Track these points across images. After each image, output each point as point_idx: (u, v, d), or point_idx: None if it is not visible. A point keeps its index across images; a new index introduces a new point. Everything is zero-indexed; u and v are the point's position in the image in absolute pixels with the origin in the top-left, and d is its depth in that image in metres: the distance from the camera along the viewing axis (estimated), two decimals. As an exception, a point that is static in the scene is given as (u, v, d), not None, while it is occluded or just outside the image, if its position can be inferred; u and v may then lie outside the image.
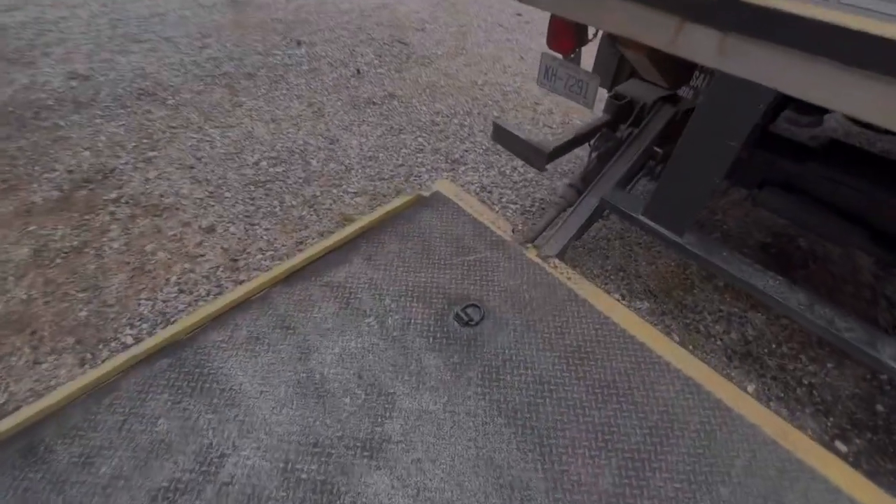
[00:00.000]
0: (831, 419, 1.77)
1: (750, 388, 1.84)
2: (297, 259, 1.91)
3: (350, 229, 2.04)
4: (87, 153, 2.76)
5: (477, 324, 1.73)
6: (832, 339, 1.44)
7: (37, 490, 1.33)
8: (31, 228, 2.24)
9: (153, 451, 1.40)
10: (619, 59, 2.41)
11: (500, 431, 1.45)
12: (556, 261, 1.96)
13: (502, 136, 2.27)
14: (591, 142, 2.35)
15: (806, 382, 1.88)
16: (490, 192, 2.68)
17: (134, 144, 2.86)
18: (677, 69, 1.90)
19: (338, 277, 1.89)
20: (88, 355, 1.74)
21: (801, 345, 2.01)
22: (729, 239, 2.51)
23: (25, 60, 3.65)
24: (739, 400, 1.54)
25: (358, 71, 3.86)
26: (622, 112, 2.36)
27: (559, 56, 2.05)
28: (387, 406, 1.50)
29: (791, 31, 1.12)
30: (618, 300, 2.12)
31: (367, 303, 1.79)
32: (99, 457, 1.39)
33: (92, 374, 1.56)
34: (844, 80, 1.09)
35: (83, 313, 1.88)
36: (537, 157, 2.14)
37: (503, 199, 2.63)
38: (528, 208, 2.59)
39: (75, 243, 2.18)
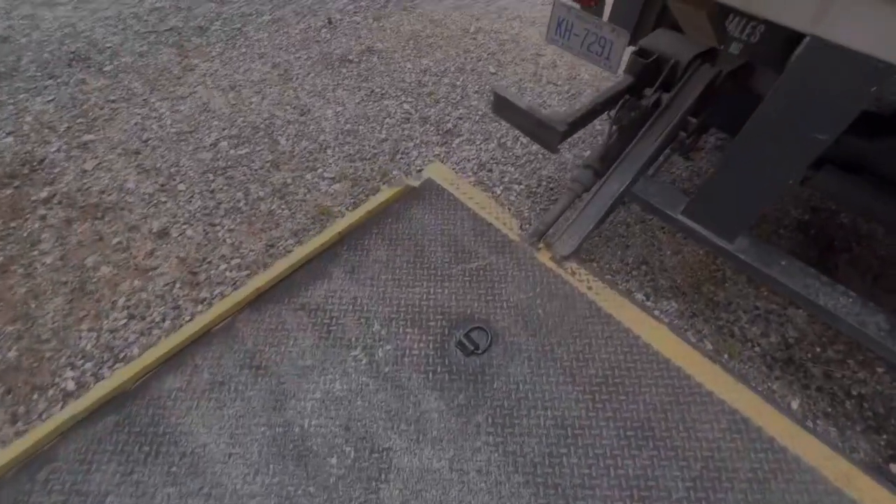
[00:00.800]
0: (884, 437, 1.57)
1: (794, 404, 1.62)
2: (266, 276, 1.59)
3: (328, 234, 1.70)
4: (9, 139, 2.32)
5: (484, 352, 1.46)
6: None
7: None
8: (-55, 242, 1.88)
9: (102, 540, 1.17)
10: (644, 3, 1.97)
11: (519, 493, 1.22)
12: (573, 265, 1.66)
13: (504, 107, 1.87)
14: (611, 111, 1.95)
15: (855, 393, 1.66)
16: (490, 170, 2.32)
17: (66, 126, 2.41)
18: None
19: (315, 298, 1.58)
20: (21, 409, 1.46)
21: (848, 346, 1.78)
22: (764, 219, 2.20)
23: (-71, 19, 3.06)
24: (794, 436, 1.32)
25: (329, 20, 3.30)
26: (648, 72, 1.95)
27: (576, 5, 1.63)
28: (382, 466, 1.26)
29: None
30: (643, 302, 1.86)
31: (352, 330, 1.50)
32: (36, 551, 1.15)
33: (22, 443, 1.28)
34: None
35: (12, 353, 1.57)
36: (548, 135, 1.76)
37: (505, 179, 2.28)
38: (534, 189, 2.24)
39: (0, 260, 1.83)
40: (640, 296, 1.88)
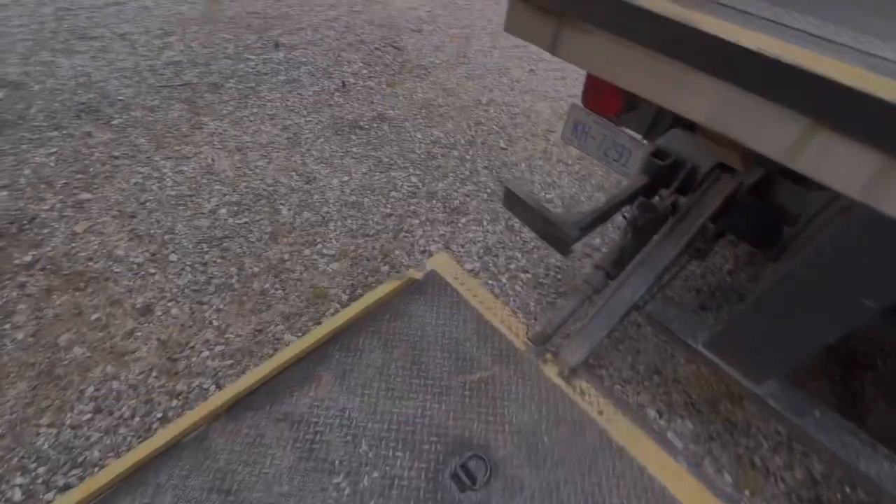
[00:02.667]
0: None
1: (825, 560, 1.45)
2: (248, 379, 1.46)
3: (319, 332, 1.58)
4: (3, 193, 2.25)
5: (481, 487, 1.31)
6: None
7: None
8: (-88, 308, 1.76)
9: None
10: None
11: None
12: (583, 383, 1.53)
13: (515, 204, 1.80)
14: (625, 211, 1.88)
15: (892, 547, 1.49)
16: (496, 255, 2.23)
17: (64, 182, 2.35)
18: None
19: (300, 407, 1.44)
20: (-44, 523, 1.29)
21: (881, 486, 1.62)
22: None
23: (-54, 61, 3.08)
24: None
25: (343, 84, 3.33)
26: (664, 174, 1.90)
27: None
28: None
29: None
30: (656, 419, 1.71)
31: (337, 450, 1.35)
32: None
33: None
34: None
35: (-41, 450, 1.42)
36: (560, 240, 1.68)
37: (511, 266, 2.18)
38: (541, 279, 2.15)
39: (-33, 333, 1.70)
40: (652, 412, 1.74)
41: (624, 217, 1.93)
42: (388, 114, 3.11)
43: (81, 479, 1.37)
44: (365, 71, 3.53)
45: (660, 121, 2.02)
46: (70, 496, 1.22)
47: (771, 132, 0.92)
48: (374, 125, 3.00)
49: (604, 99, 1.42)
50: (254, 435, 1.37)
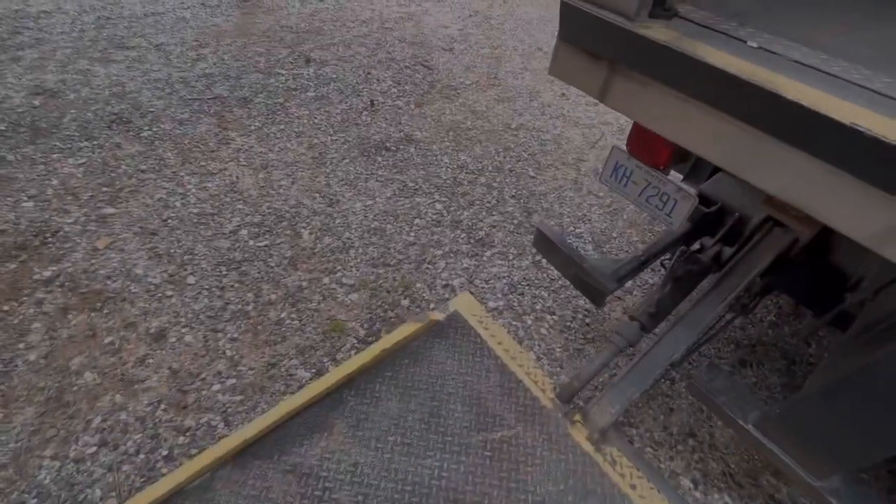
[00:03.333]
0: None
1: None
2: (256, 426, 1.39)
3: (334, 375, 1.50)
4: (30, 203, 2.25)
5: (500, 567, 1.20)
6: None
7: None
8: (-69, 321, 1.75)
9: None
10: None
11: None
12: (614, 450, 1.41)
13: (547, 248, 1.71)
14: (669, 262, 1.76)
15: None
16: (521, 293, 2.12)
17: (90, 194, 2.34)
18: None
19: (310, 458, 1.36)
20: (-50, 561, 1.24)
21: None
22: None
23: (-11, 66, 3.15)
24: None
25: (372, 103, 3.29)
26: (708, 222, 1.78)
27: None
28: None
29: None
30: (691, 490, 1.57)
31: (347, 511, 1.26)
32: None
33: None
34: None
35: (-39, 480, 1.38)
36: (595, 291, 1.57)
37: (537, 307, 2.08)
38: (569, 322, 2.03)
39: (-19, 351, 1.68)
40: (686, 481, 1.60)
41: (663, 266, 1.81)
42: (415, 135, 3.05)
43: (80, 520, 1.31)
44: (394, 90, 3.49)
45: (703, 163, 1.90)
46: (65, 546, 1.16)
47: (860, 214, 0.81)
48: (401, 147, 2.94)
49: (652, 149, 1.32)
50: (260, 487, 1.29)
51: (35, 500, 1.36)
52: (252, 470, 1.32)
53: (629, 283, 2.25)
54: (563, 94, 3.69)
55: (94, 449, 1.48)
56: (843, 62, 0.94)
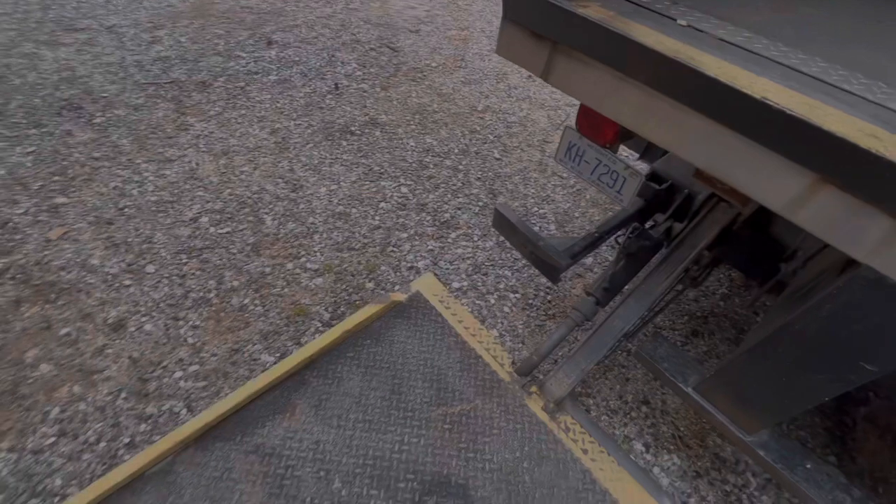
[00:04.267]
0: None
1: None
2: (218, 408, 1.40)
3: (296, 357, 1.52)
4: (-25, 195, 2.16)
5: (458, 531, 1.25)
6: None
7: None
8: None
9: None
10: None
11: None
12: (568, 418, 1.48)
13: (505, 228, 1.75)
14: (622, 239, 1.82)
15: None
16: (485, 273, 2.17)
17: (41, 184, 2.26)
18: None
19: (273, 438, 1.38)
20: None
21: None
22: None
23: (-76, 51, 2.96)
24: None
25: (336, 86, 3.24)
26: (660, 198, 1.85)
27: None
28: None
29: None
30: (642, 452, 1.67)
31: (309, 487, 1.30)
32: None
33: None
34: None
35: (-89, 476, 1.35)
36: (550, 267, 1.63)
37: (500, 286, 2.12)
38: (531, 300, 2.09)
39: (-72, 347, 1.63)
40: (639, 445, 1.69)
41: (617, 242, 1.87)
42: (380, 119, 3.03)
43: (40, 510, 1.31)
44: (359, 72, 3.44)
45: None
46: (23, 534, 1.16)
47: (773, 184, 0.86)
48: (366, 131, 2.92)
49: (598, 127, 1.36)
50: (222, 468, 1.31)
51: (-9, 491, 1.34)
52: (215, 451, 1.34)
53: (589, 261, 2.32)
54: (530, 77, 3.71)
55: (54, 439, 1.46)
56: (764, 40, 0.98)
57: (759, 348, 1.06)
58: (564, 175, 2.82)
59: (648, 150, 2.01)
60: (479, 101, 3.35)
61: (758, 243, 1.68)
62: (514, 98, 3.44)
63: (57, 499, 1.34)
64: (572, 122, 1.63)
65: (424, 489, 1.31)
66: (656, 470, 1.64)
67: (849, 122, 0.75)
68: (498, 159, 2.87)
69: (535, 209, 2.57)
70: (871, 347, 0.87)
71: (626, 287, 1.80)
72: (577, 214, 2.57)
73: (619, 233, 1.91)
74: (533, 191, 2.68)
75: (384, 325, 1.66)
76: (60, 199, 2.20)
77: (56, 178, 2.31)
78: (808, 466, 1.17)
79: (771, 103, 0.78)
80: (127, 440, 1.49)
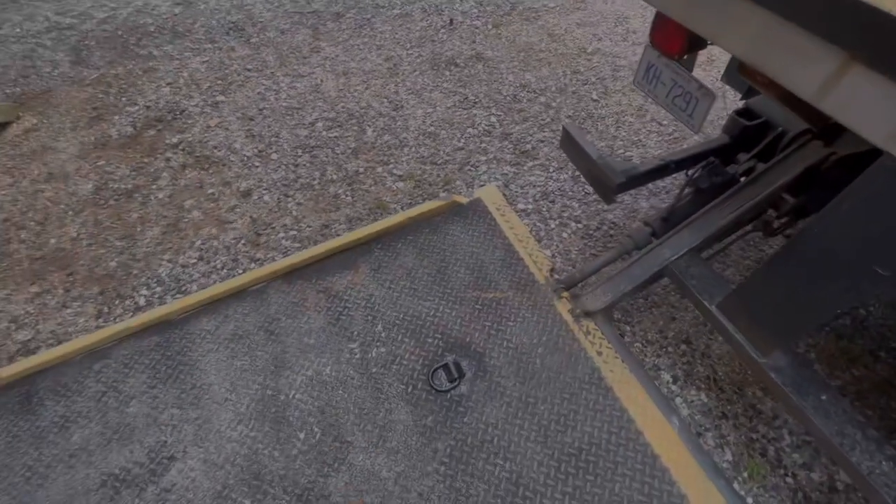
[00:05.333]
0: None
1: (813, 560, 1.37)
2: (303, 255, 1.77)
3: (367, 230, 1.83)
4: (167, 89, 2.83)
5: (467, 382, 1.47)
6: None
7: (22, 439, 1.45)
8: (100, 163, 2.39)
9: (118, 433, 1.44)
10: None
11: (449, 530, 1.24)
12: (590, 324, 1.57)
13: (569, 145, 1.81)
14: (691, 171, 1.76)
15: (905, 576, 1.34)
16: (552, 200, 2.25)
17: (209, 85, 2.86)
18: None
19: (338, 285, 1.72)
20: (105, 308, 1.83)
21: (920, 518, 1.43)
22: (863, 330, 1.82)
23: (146, -20, 3.80)
24: None
25: (451, 21, 3.41)
26: (748, 136, 1.73)
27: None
28: (338, 456, 1.36)
29: None
30: (668, 382, 1.69)
31: (358, 324, 1.61)
32: (75, 423, 1.47)
33: (93, 337, 1.63)
34: None
35: (113, 263, 1.97)
36: (604, 184, 1.67)
37: (565, 214, 2.19)
38: (592, 231, 2.13)
39: (129, 186, 2.28)
40: (667, 376, 1.71)
41: (687, 175, 1.80)
42: (485, 54, 3.15)
43: (182, 301, 1.83)
44: (475, 10, 3.55)
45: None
46: (174, 305, 1.66)
47: (804, 68, 0.85)
48: (470, 64, 3.07)
49: (667, 36, 1.34)
50: (300, 297, 1.69)
51: (156, 284, 1.91)
52: (296, 285, 1.72)
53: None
54: (654, 21, 3.45)
55: (195, 261, 1.99)
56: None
57: (777, 260, 1.05)
58: (664, 122, 2.68)
59: (751, 92, 1.86)
60: (590, 42, 3.26)
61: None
62: (629, 42, 3.27)
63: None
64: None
65: (447, 347, 1.54)
66: (678, 400, 1.66)
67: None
68: (595, 101, 2.82)
69: (622, 151, 2.52)
70: (886, 248, 0.83)
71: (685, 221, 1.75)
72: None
73: (694, 171, 1.84)
74: (625, 133, 2.62)
75: (443, 220, 1.88)
76: (220, 98, 2.78)
77: (219, 81, 2.90)
78: (823, 398, 1.13)
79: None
80: (241, 271, 1.96)
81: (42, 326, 1.78)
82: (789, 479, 1.50)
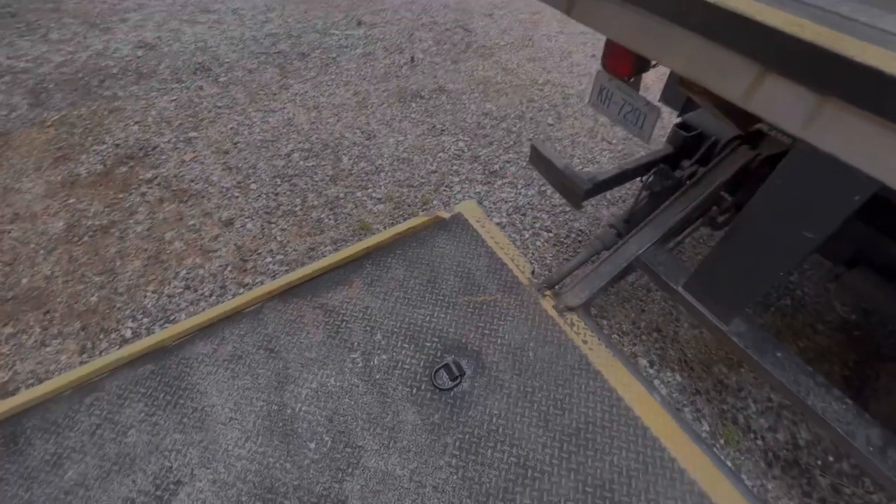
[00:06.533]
0: (891, 570, 1.42)
1: (787, 509, 1.53)
2: (297, 274, 1.82)
3: (357, 247, 1.91)
4: (135, 127, 2.84)
5: (468, 380, 1.56)
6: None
7: (9, 482, 1.38)
8: (70, 201, 2.34)
9: (117, 464, 1.40)
10: (696, 80, 2.02)
11: (466, 517, 1.29)
12: (574, 317, 1.72)
13: (538, 160, 2.01)
14: (644, 177, 2.01)
15: (864, 515, 1.53)
16: (524, 214, 2.43)
17: (179, 122, 2.90)
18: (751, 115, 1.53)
19: (334, 300, 1.78)
20: (89, 343, 1.78)
21: (869, 463, 1.63)
22: (802, 308, 2.09)
23: (104, 25, 3.82)
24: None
25: (412, 59, 3.66)
26: (688, 145, 2.00)
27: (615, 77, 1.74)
28: (351, 461, 1.39)
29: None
30: (646, 368, 1.85)
31: (357, 335, 1.67)
32: (69, 459, 1.41)
33: (81, 370, 1.58)
34: None
35: (94, 298, 1.93)
36: (573, 192, 1.87)
37: (536, 225, 2.38)
38: (562, 239, 2.32)
39: (104, 222, 2.25)
40: (644, 361, 1.88)
41: (641, 181, 2.05)
42: (447, 87, 3.39)
43: (171, 330, 1.81)
44: (434, 49, 3.83)
45: (692, 100, 2.10)
46: (166, 332, 1.65)
47: (731, 78, 1.06)
48: (434, 96, 3.29)
49: (617, 60, 1.58)
50: (296, 314, 1.73)
51: (141, 315, 1.88)
52: (291, 303, 1.76)
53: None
54: (594, 56, 3.87)
55: (182, 290, 1.99)
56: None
57: (725, 241, 1.25)
58: (613, 141, 2.98)
59: (687, 107, 2.16)
60: (540, 75, 3.59)
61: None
62: (575, 74, 3.63)
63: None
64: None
65: (445, 348, 1.63)
66: (657, 382, 1.82)
67: (780, 15, 0.95)
68: (551, 125, 3.10)
69: (580, 167, 2.77)
70: (809, 214, 1.04)
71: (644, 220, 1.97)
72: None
73: (647, 176, 2.09)
74: (580, 152, 2.89)
75: (428, 233, 2.00)
76: (193, 134, 2.82)
77: (190, 118, 2.94)
78: (779, 355, 1.32)
79: (720, 4, 1.00)
80: (230, 296, 1.97)
81: (20, 367, 1.71)
82: (759, 442, 1.68)
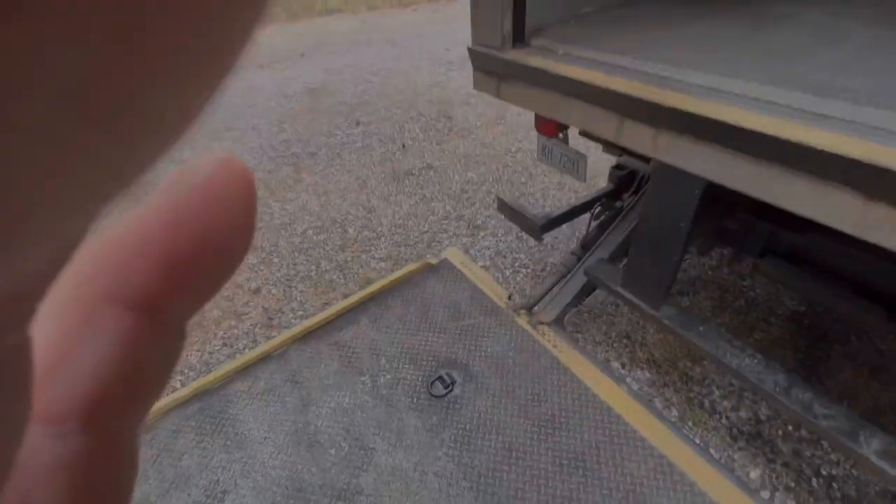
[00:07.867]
0: (853, 519, 1.58)
1: (753, 474, 1.71)
2: (314, 320, 2.21)
3: (363, 293, 2.31)
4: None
5: (459, 386, 1.86)
6: (809, 426, 1.35)
7: (88, 506, 1.67)
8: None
9: (174, 483, 1.69)
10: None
11: (463, 494, 1.54)
12: (545, 328, 2.04)
13: (504, 208, 2.46)
14: (593, 210, 2.44)
15: (825, 473, 1.70)
16: (504, 256, 2.84)
17: (213, 217, 3.47)
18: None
19: (345, 337, 2.14)
20: (147, 396, 2.14)
21: (826, 429, 1.82)
22: (755, 306, 2.37)
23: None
24: (719, 488, 1.47)
25: (403, 145, 4.32)
26: (624, 182, 2.44)
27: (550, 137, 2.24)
28: (365, 460, 1.67)
29: (708, 130, 1.22)
30: (617, 368, 2.12)
31: (365, 362, 2.01)
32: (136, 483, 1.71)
33: (143, 413, 1.93)
34: (759, 171, 1.15)
35: (149, 360, 2.31)
36: (531, 228, 2.29)
37: (516, 264, 2.77)
38: (538, 273, 2.69)
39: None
40: (616, 364, 2.15)
41: (591, 214, 2.47)
42: (434, 164, 3.99)
43: (213, 378, 2.17)
44: (421, 135, 4.52)
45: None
46: (209, 377, 2.01)
47: (605, 126, 1.52)
48: (423, 172, 3.88)
49: (543, 124, 2.09)
50: (315, 352, 2.09)
51: (187, 370, 2.25)
52: (310, 344, 2.12)
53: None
54: (558, 124, 4.50)
55: (220, 347, 2.37)
56: (630, 57, 1.68)
57: (634, 241, 1.63)
58: (579, 190, 3.45)
59: (623, 152, 2.64)
60: (513, 144, 4.20)
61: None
62: (542, 140, 4.22)
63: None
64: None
65: (439, 364, 1.94)
66: (629, 380, 2.08)
67: (626, 83, 1.42)
68: (524, 182, 3.61)
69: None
70: (677, 210, 1.43)
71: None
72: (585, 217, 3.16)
73: (596, 208, 2.52)
74: (550, 202, 3.35)
75: (420, 277, 2.39)
76: (224, 225, 3.37)
77: (222, 213, 3.52)
78: (701, 329, 1.62)
79: (584, 81, 1.48)
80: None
81: (92, 419, 2.05)
82: (724, 421, 1.89)
